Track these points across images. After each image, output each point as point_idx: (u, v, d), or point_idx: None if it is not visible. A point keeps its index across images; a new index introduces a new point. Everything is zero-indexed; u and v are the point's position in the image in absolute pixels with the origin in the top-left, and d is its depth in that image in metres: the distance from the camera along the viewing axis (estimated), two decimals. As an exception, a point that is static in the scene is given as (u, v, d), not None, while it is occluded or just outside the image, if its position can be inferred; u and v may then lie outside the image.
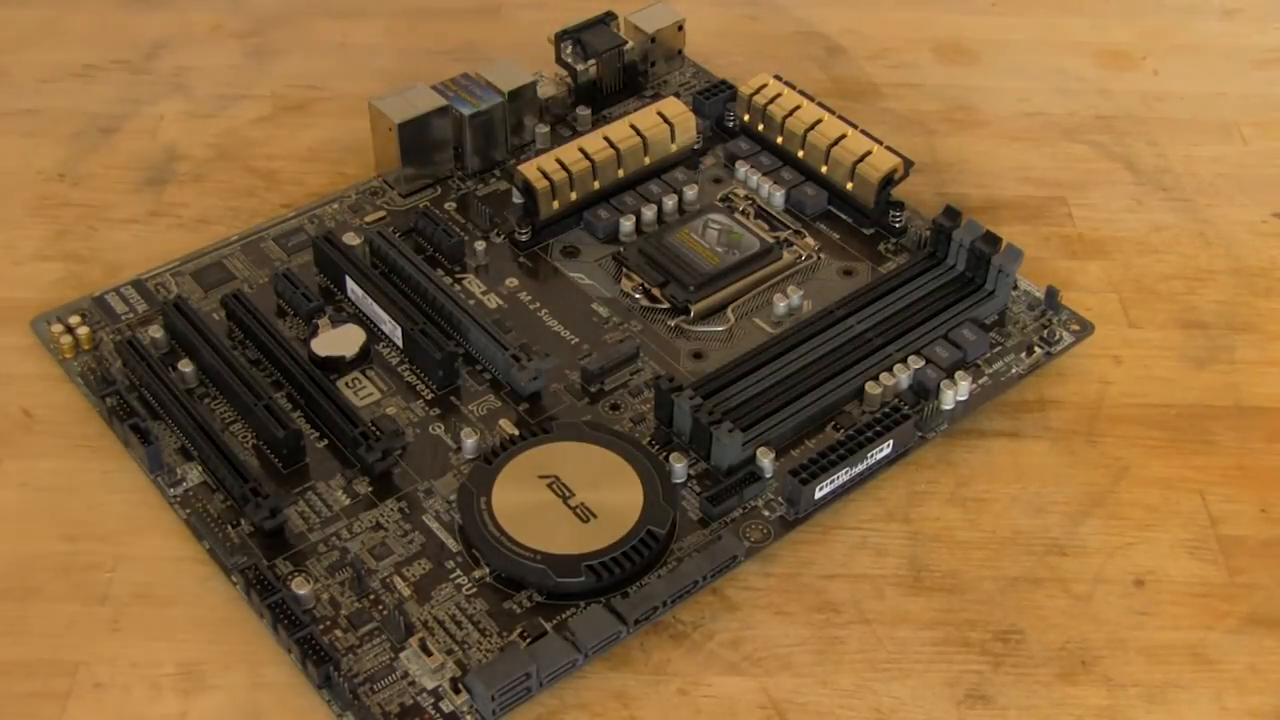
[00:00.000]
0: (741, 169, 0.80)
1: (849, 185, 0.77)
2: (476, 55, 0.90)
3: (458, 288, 0.73)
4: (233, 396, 0.67)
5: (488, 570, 0.61)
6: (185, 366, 0.68)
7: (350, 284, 0.72)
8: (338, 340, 0.70)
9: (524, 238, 0.76)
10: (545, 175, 0.75)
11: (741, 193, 0.79)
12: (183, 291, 0.73)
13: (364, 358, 0.70)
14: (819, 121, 0.79)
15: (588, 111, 0.83)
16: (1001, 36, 0.95)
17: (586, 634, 0.58)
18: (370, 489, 0.64)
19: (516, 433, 0.65)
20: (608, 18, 0.85)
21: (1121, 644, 0.60)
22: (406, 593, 0.60)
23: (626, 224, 0.77)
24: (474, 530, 0.61)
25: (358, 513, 0.63)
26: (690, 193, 0.78)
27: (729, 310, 0.73)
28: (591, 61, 0.83)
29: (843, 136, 0.78)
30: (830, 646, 0.60)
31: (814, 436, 0.67)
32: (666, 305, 0.73)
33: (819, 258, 0.76)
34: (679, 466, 0.65)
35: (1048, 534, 0.64)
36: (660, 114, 0.79)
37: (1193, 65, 0.93)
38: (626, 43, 0.84)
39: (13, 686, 0.58)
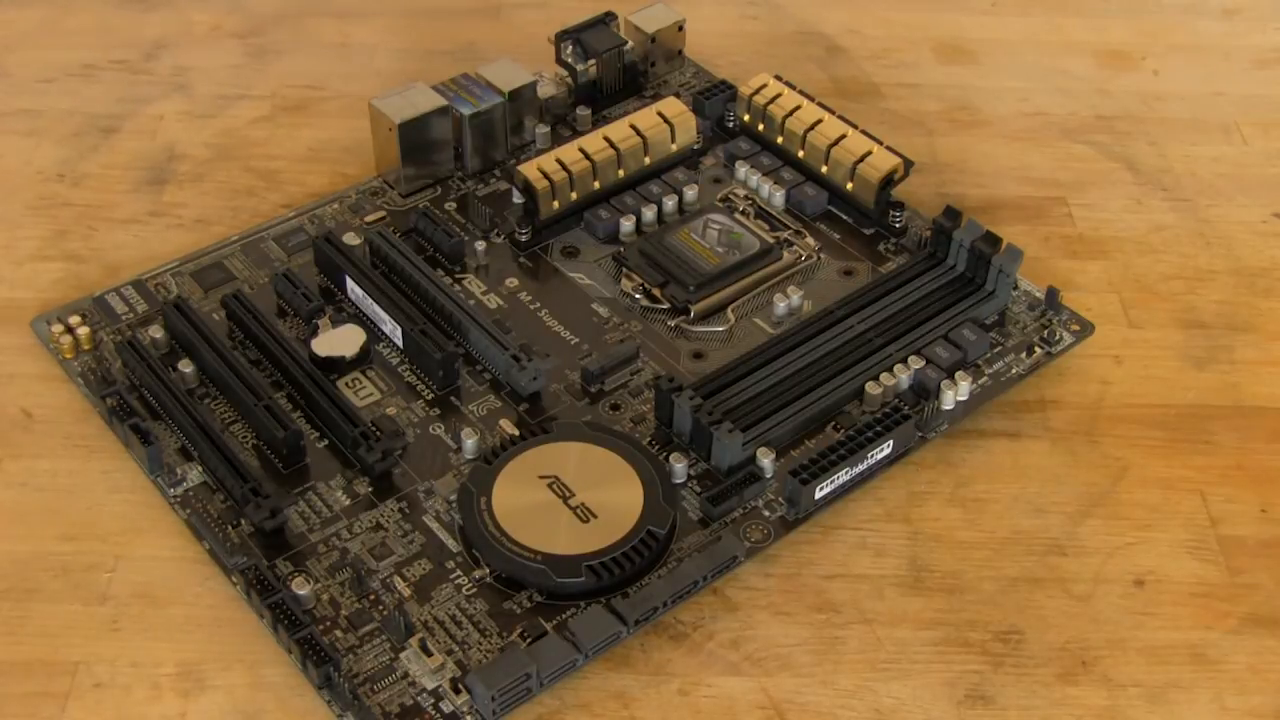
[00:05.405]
0: (741, 169, 0.80)
1: (849, 185, 0.77)
2: (476, 55, 0.90)
3: (458, 288, 0.73)
4: (233, 397, 0.67)
5: (488, 570, 0.61)
6: (185, 367, 0.68)
7: (350, 284, 0.72)
8: (338, 340, 0.70)
9: (524, 238, 0.76)
10: (545, 175, 0.75)
11: (741, 193, 0.79)
12: (183, 292, 0.73)
13: (364, 358, 0.70)
14: (819, 121, 0.79)
15: (588, 111, 0.83)
16: (1001, 36, 0.95)
17: (586, 634, 0.58)
18: (370, 489, 0.64)
19: (516, 433, 0.65)
20: (608, 18, 0.85)
21: (1121, 644, 0.60)
22: (406, 593, 0.60)
23: (626, 224, 0.77)
24: (474, 530, 0.61)
25: (358, 513, 0.63)
26: (690, 193, 0.78)
27: (729, 310, 0.73)
28: (591, 61, 0.83)
29: (843, 136, 0.78)
30: (830, 646, 0.60)
31: (814, 436, 0.67)
32: (666, 305, 0.73)
33: (819, 258, 0.76)
34: (679, 466, 0.64)
35: (1048, 534, 0.64)
36: (660, 114, 0.79)
37: (1193, 65, 0.93)
38: (626, 43, 0.84)
39: (12, 686, 0.58)
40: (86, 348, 0.70)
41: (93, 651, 0.59)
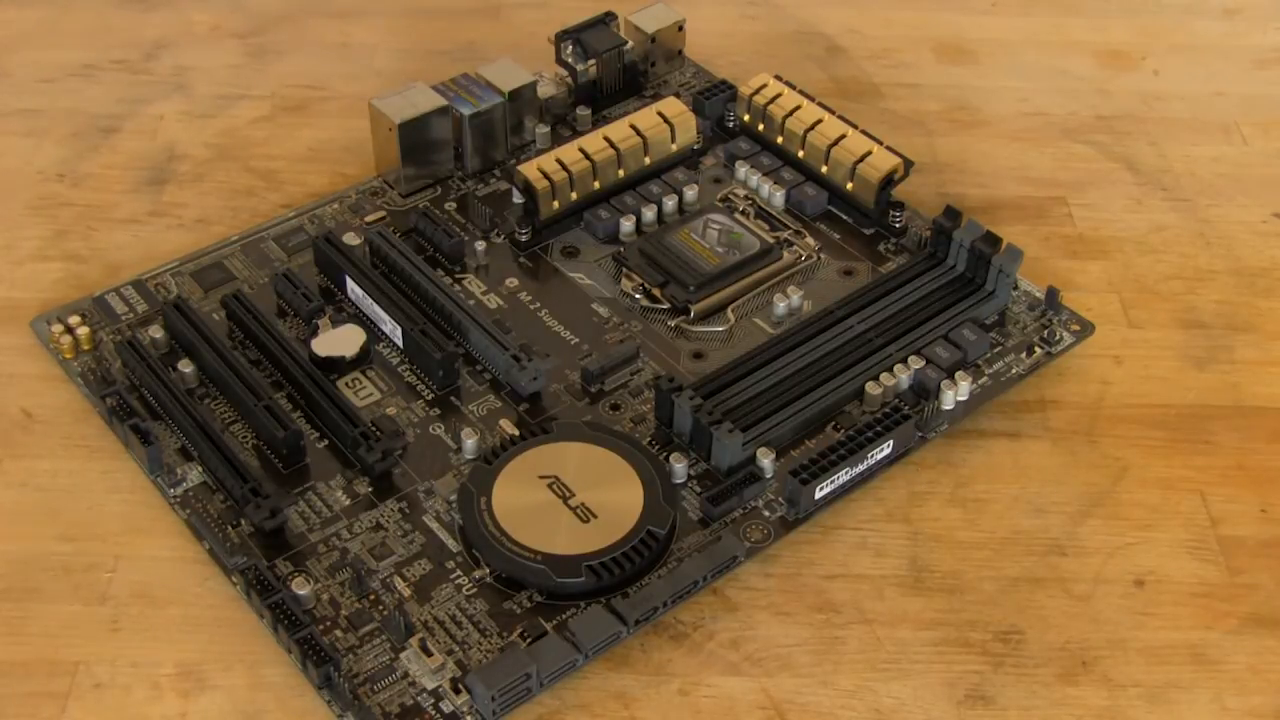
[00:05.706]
0: (741, 169, 0.80)
1: (849, 185, 0.77)
2: (476, 55, 0.90)
3: (458, 288, 0.73)
4: (233, 397, 0.67)
5: (488, 570, 0.61)
6: (185, 367, 0.68)
7: (350, 284, 0.72)
8: (338, 340, 0.70)
9: (524, 238, 0.76)
10: (545, 175, 0.75)
11: (741, 193, 0.79)
12: (183, 292, 0.73)
13: (364, 358, 0.70)
14: (819, 121, 0.79)
15: (588, 111, 0.83)
16: (1001, 36, 0.95)
17: (586, 634, 0.58)
18: (370, 489, 0.64)
19: (516, 433, 0.65)
20: (608, 18, 0.85)
21: (1121, 644, 0.60)
22: (407, 593, 0.60)
23: (626, 224, 0.77)
24: (474, 530, 0.61)
25: (358, 513, 0.63)
26: (690, 193, 0.78)
27: (729, 310, 0.73)
28: (591, 61, 0.83)
29: (843, 136, 0.78)
30: (830, 647, 0.60)
31: (814, 436, 0.67)
32: (666, 305, 0.73)
33: (819, 258, 0.76)
34: (679, 467, 0.64)
35: (1048, 534, 0.64)
36: (660, 114, 0.79)
37: (1193, 65, 0.93)
38: (626, 43, 0.84)
39: (13, 686, 0.58)
40: (86, 348, 0.70)
41: (93, 651, 0.59)
